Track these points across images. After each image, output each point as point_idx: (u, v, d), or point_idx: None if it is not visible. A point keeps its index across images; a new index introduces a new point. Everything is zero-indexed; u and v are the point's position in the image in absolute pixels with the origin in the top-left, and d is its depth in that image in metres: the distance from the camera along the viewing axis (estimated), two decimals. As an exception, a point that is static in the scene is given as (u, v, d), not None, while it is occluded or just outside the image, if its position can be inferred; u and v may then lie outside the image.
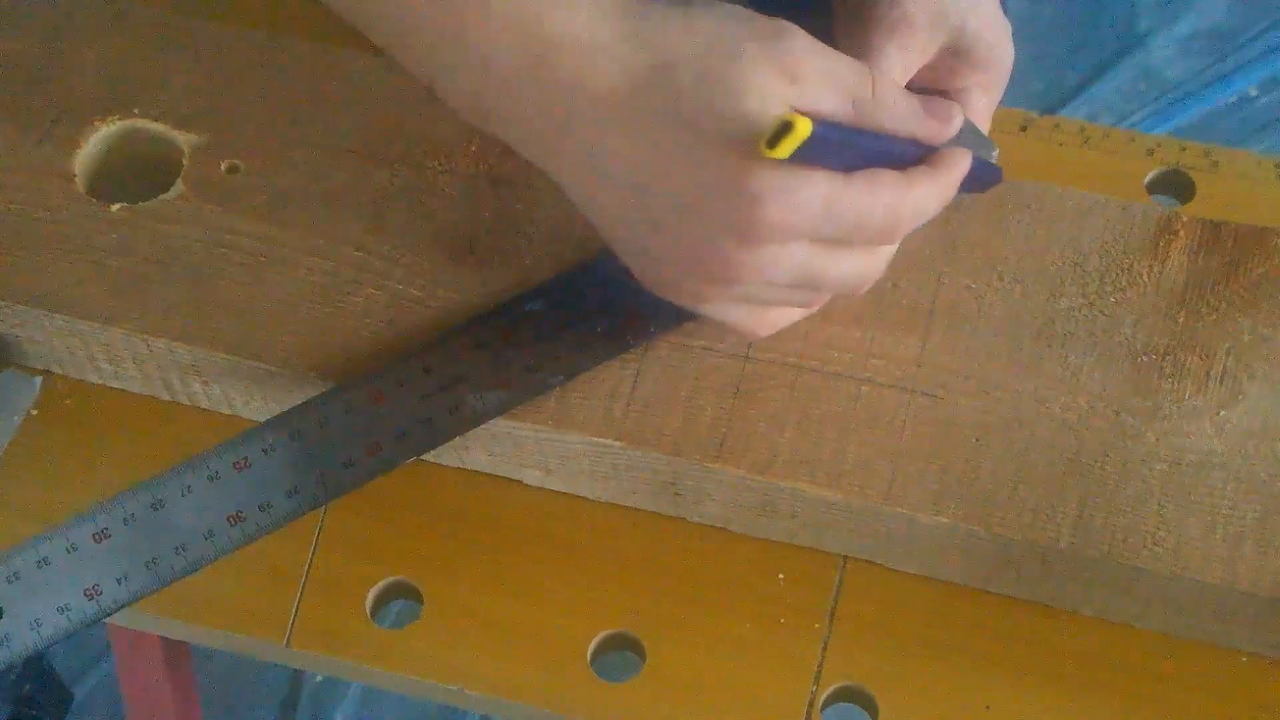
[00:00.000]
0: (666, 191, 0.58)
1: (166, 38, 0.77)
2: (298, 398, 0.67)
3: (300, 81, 0.75)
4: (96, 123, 0.74)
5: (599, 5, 0.58)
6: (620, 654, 0.68)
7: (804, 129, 0.53)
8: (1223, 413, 0.66)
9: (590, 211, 0.61)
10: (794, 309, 0.64)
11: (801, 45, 0.57)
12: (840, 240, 0.59)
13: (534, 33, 0.58)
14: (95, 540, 0.61)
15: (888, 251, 0.62)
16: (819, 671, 0.67)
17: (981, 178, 0.64)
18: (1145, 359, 0.68)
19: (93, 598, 0.61)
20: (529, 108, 0.59)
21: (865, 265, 0.61)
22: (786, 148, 0.54)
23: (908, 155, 0.59)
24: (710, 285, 0.60)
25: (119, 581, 0.61)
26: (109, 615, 0.62)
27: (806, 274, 0.59)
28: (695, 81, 0.56)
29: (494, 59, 0.58)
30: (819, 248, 0.59)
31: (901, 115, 0.59)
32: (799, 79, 0.56)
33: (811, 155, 0.55)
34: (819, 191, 0.56)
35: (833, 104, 0.57)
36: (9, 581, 0.60)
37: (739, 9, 0.58)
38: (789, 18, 0.74)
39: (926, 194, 0.60)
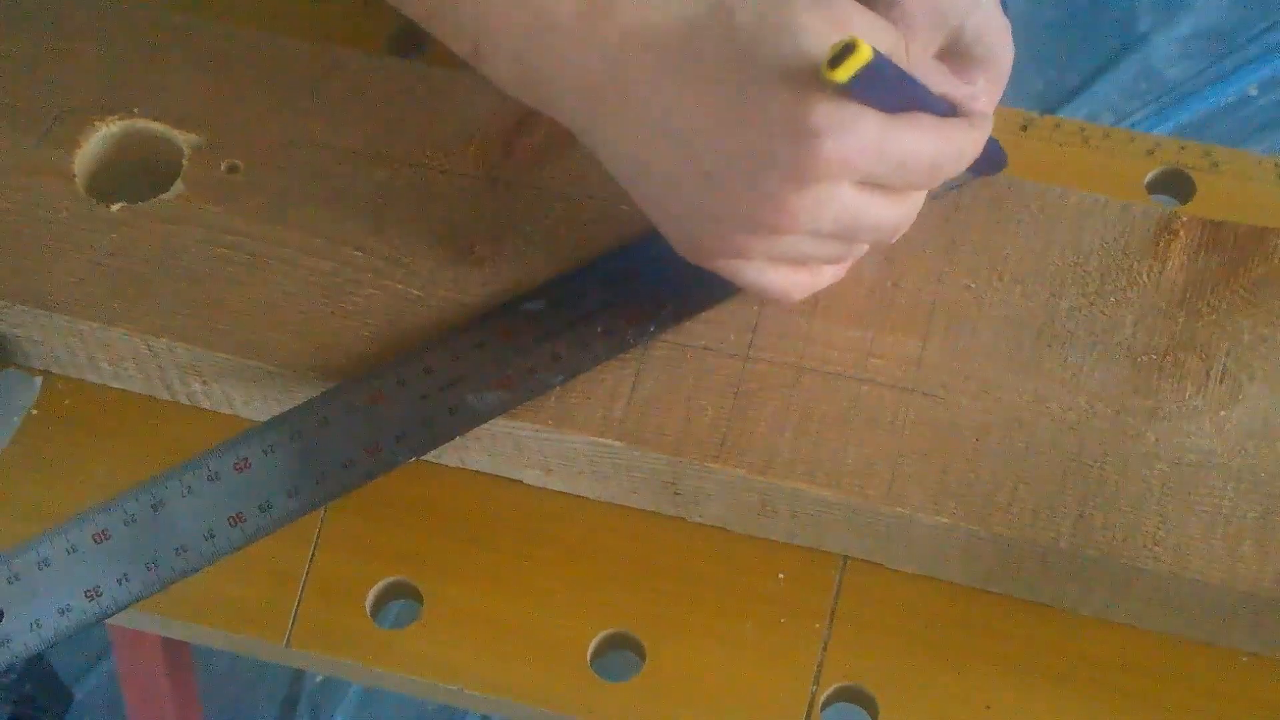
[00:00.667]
0: (722, 140, 0.58)
1: (167, 37, 0.77)
2: (298, 398, 0.67)
3: (300, 81, 0.75)
4: (96, 123, 0.74)
5: None
6: (620, 654, 0.68)
7: (866, 51, 0.54)
8: (1223, 413, 0.66)
9: (636, 175, 0.61)
10: (828, 268, 0.64)
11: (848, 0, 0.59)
12: (884, 182, 0.60)
13: None
14: (95, 541, 0.61)
15: (919, 200, 0.63)
16: (819, 671, 0.67)
17: (992, 157, 0.66)
18: (1145, 359, 0.68)
19: (93, 598, 0.61)
20: (582, 61, 0.59)
21: (900, 212, 0.62)
22: (848, 69, 0.54)
23: (940, 112, 0.61)
24: (758, 238, 0.60)
25: (119, 582, 0.61)
26: (109, 616, 0.62)
27: (850, 221, 0.60)
28: (752, 22, 0.57)
29: (547, 10, 0.59)
30: (864, 191, 0.59)
31: (936, 74, 0.62)
32: (849, 26, 0.57)
33: (866, 88, 0.56)
34: (873, 127, 0.57)
35: (884, 50, 0.58)
36: (9, 582, 0.60)
37: None
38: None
39: (964, 140, 0.62)
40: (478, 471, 0.71)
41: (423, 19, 0.63)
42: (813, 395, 0.67)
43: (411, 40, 0.84)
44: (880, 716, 0.66)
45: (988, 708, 0.66)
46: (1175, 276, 0.70)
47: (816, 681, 0.67)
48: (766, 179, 0.58)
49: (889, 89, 0.57)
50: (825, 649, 0.67)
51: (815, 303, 0.69)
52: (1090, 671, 0.66)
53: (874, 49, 0.55)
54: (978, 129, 0.63)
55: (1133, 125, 1.79)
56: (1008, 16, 0.70)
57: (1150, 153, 0.79)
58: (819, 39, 0.56)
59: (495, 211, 0.71)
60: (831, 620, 0.68)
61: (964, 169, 0.63)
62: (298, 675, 1.47)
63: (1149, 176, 0.79)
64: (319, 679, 1.47)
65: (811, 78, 0.55)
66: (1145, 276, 0.70)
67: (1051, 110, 0.81)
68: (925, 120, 0.60)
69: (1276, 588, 0.63)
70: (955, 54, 0.69)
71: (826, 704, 0.66)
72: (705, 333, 0.68)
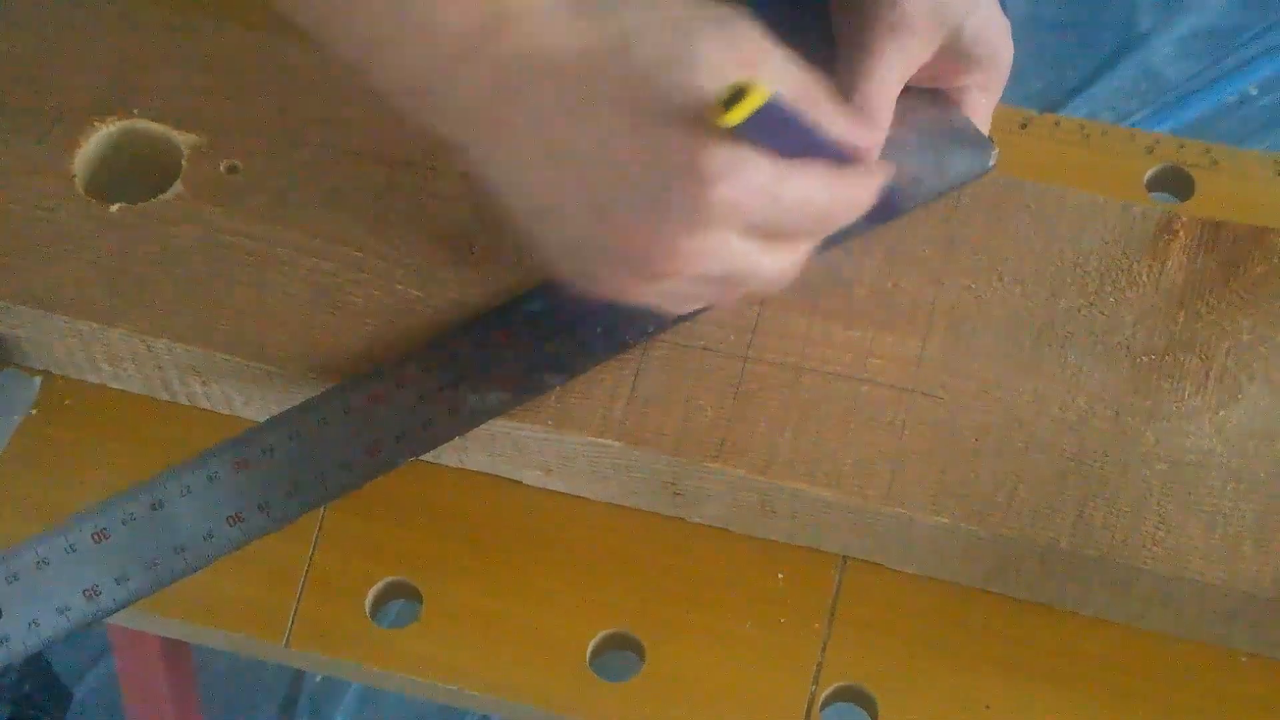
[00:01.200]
0: (613, 175, 0.56)
1: (166, 38, 0.77)
2: (298, 398, 0.67)
3: (300, 81, 0.75)
4: (96, 123, 0.74)
5: None
6: (620, 654, 0.68)
7: (759, 96, 0.53)
8: (1222, 413, 0.66)
9: (521, 198, 0.59)
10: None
11: (757, 33, 0.56)
12: (773, 229, 0.58)
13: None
14: (95, 540, 0.61)
15: (806, 249, 0.61)
16: (819, 671, 0.67)
17: (887, 205, 0.63)
18: (1145, 359, 0.68)
19: (92, 598, 0.61)
20: (474, 82, 0.56)
21: (786, 260, 0.60)
22: (739, 114, 0.53)
23: (839, 159, 0.59)
24: (641, 279, 0.58)
25: (118, 582, 0.61)
26: (108, 615, 0.61)
27: (734, 267, 0.58)
28: (652, 57, 0.55)
29: (441, 27, 0.56)
30: (754, 239, 0.57)
31: (840, 118, 0.59)
32: (753, 64, 0.55)
33: (760, 132, 0.54)
34: (766, 172, 0.55)
35: (785, 92, 0.56)
36: (8, 582, 0.60)
37: None
38: (791, 18, 0.75)
39: (858, 189, 0.60)
40: (478, 471, 0.71)
41: (311, 27, 0.60)
42: (813, 395, 0.67)
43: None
44: (880, 716, 0.66)
45: (987, 708, 0.66)
46: (1175, 276, 0.70)
47: (816, 681, 0.67)
48: (655, 220, 0.56)
49: (785, 133, 0.56)
50: (825, 649, 0.67)
51: (815, 303, 0.69)
52: (1090, 671, 0.66)
53: (770, 92, 0.53)
54: (873, 177, 0.60)
55: (1133, 125, 1.79)
56: (1007, 16, 0.71)
57: (1150, 150, 0.79)
58: (718, 78, 0.54)
59: (495, 211, 0.71)
60: (831, 620, 0.68)
61: (856, 219, 0.61)
62: (298, 675, 1.47)
63: (1148, 174, 0.79)
64: (319, 679, 1.47)
65: (707, 118, 0.53)
66: (1145, 276, 0.70)
67: (1051, 110, 0.81)
68: (820, 168, 0.58)
69: (1276, 588, 0.63)
70: (954, 54, 0.69)
71: (826, 704, 0.66)
72: (705, 333, 0.68)
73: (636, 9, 0.56)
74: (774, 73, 0.56)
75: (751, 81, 0.53)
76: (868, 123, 0.61)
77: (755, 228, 0.57)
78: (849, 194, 0.59)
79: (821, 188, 0.58)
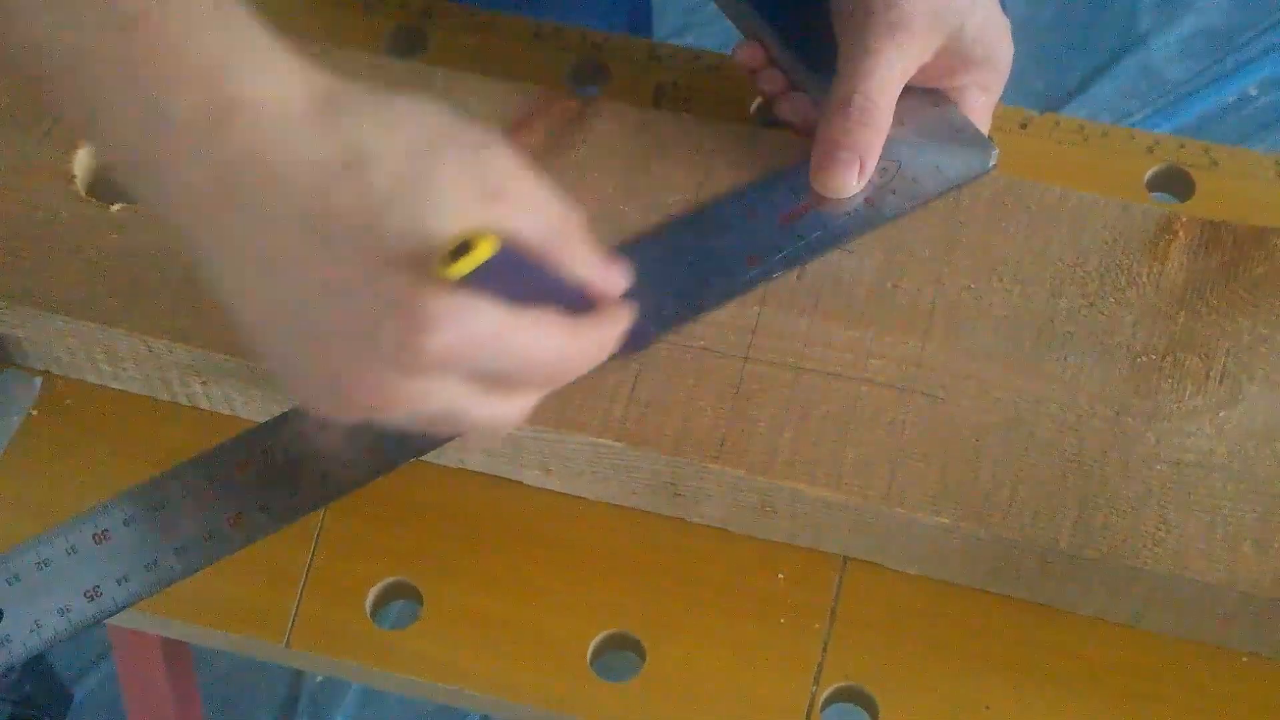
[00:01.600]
0: (330, 302, 0.51)
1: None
2: (297, 398, 0.67)
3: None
4: (96, 123, 0.74)
5: (295, 75, 0.52)
6: (620, 654, 0.68)
7: (485, 250, 0.50)
8: (1223, 413, 0.66)
9: (236, 305, 0.54)
10: None
11: (509, 165, 0.53)
12: (499, 378, 0.54)
13: (218, 87, 0.51)
14: (95, 541, 0.61)
15: (532, 401, 0.57)
16: (819, 671, 0.67)
17: (636, 339, 0.61)
18: (1145, 359, 0.68)
19: (93, 599, 0.61)
20: (198, 173, 0.51)
21: (511, 410, 0.57)
22: (464, 266, 0.50)
23: (575, 304, 0.56)
24: (353, 410, 0.54)
25: (119, 583, 0.61)
26: (109, 616, 0.61)
27: (454, 411, 0.54)
28: (384, 188, 0.51)
29: (168, 106, 0.51)
30: (473, 385, 0.54)
31: (586, 261, 0.56)
32: (499, 199, 0.52)
33: (488, 281, 0.51)
34: (490, 324, 0.52)
35: (527, 232, 0.53)
36: (9, 583, 0.60)
37: (446, 110, 0.54)
38: (791, 18, 0.75)
39: (590, 344, 0.57)
40: (478, 471, 0.71)
41: (42, 74, 0.54)
42: (812, 395, 0.67)
43: (411, 40, 0.84)
44: (880, 716, 0.66)
45: (987, 708, 0.66)
46: (1175, 276, 0.70)
47: (816, 681, 0.67)
48: (370, 360, 0.52)
49: (517, 280, 0.53)
50: (825, 649, 0.67)
51: (815, 303, 0.69)
52: (1090, 671, 0.66)
53: (498, 244, 0.50)
54: (610, 327, 0.57)
55: (1133, 125, 1.80)
56: (1007, 16, 0.71)
57: (1150, 150, 0.79)
58: (454, 215, 0.51)
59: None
60: (831, 620, 0.68)
61: (592, 368, 0.58)
62: (298, 675, 1.47)
63: (1149, 174, 0.79)
64: (319, 679, 1.47)
65: (431, 265, 0.50)
66: (1145, 276, 0.70)
67: (1051, 110, 0.81)
68: (552, 319, 0.54)
69: (1276, 588, 0.63)
70: (954, 54, 0.69)
71: (826, 704, 0.66)
72: (705, 333, 0.68)
73: (378, 126, 0.52)
74: (518, 211, 0.53)
75: (479, 234, 0.50)
76: (612, 269, 0.57)
77: (479, 375, 0.54)
78: (583, 345, 0.56)
79: (552, 339, 0.55)
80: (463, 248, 0.50)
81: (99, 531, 0.61)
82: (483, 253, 0.50)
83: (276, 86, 0.52)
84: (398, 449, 0.65)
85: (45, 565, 0.61)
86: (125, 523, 0.62)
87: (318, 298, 0.52)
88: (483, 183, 0.52)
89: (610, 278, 0.57)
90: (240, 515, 0.63)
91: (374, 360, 0.52)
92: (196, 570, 0.62)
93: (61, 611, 0.60)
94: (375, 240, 0.51)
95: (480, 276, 0.51)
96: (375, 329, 0.51)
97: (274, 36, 0.53)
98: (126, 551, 0.61)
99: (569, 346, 0.56)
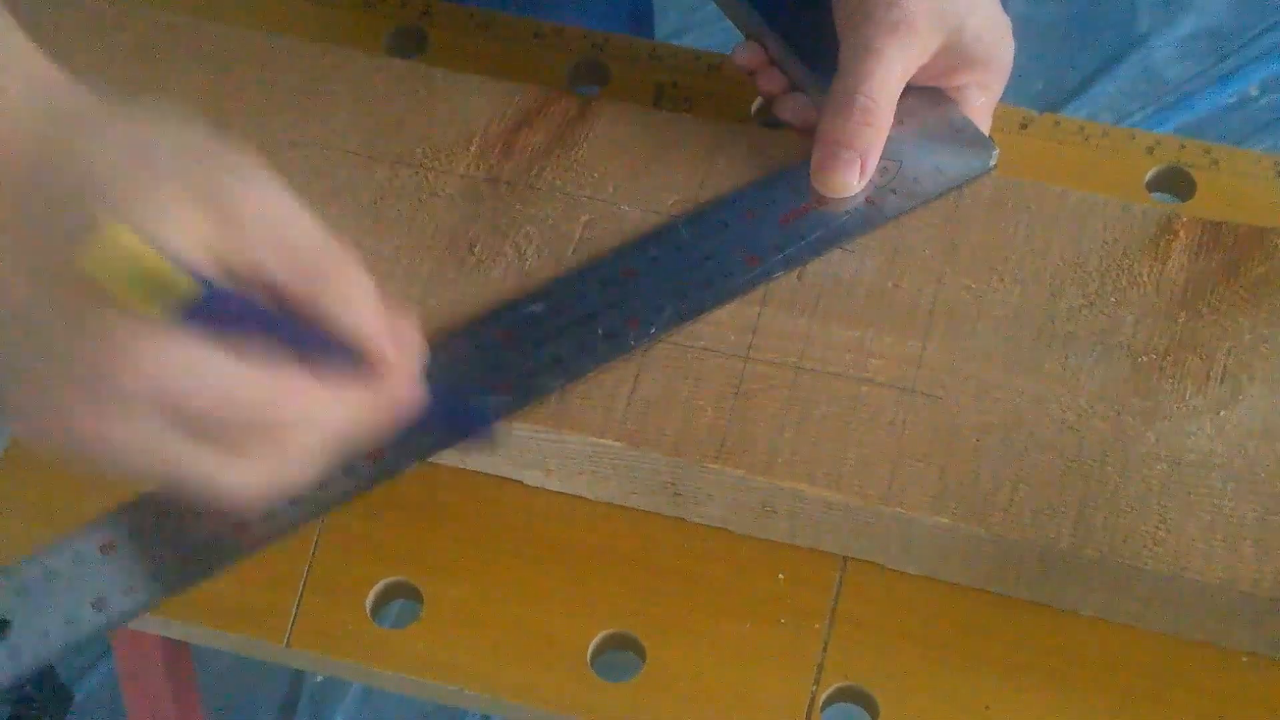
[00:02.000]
0: (25, 320, 0.47)
1: (167, 38, 0.77)
2: (297, 398, 0.67)
3: (300, 81, 0.75)
4: (96, 123, 0.74)
5: (18, 60, 0.49)
6: (620, 654, 0.68)
7: (177, 288, 0.45)
8: (1223, 413, 0.66)
9: None
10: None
11: (257, 188, 0.48)
12: (205, 426, 0.48)
13: None
14: (101, 552, 0.61)
15: (278, 467, 0.51)
16: (819, 671, 0.67)
17: (468, 429, 0.55)
18: (1145, 359, 0.68)
19: (100, 609, 0.60)
20: None
21: (255, 474, 0.50)
22: (156, 302, 0.46)
23: (344, 364, 0.50)
24: (56, 439, 0.49)
25: (125, 593, 0.61)
26: (116, 627, 0.61)
27: (163, 459, 0.49)
28: (100, 196, 0.46)
29: None
30: (179, 434, 0.48)
31: (352, 311, 0.49)
32: (233, 223, 0.47)
33: (202, 317, 0.47)
34: (187, 358, 0.47)
35: (271, 264, 0.48)
36: (16, 595, 0.60)
37: (198, 120, 0.49)
38: (791, 18, 0.75)
39: (334, 403, 0.50)
40: (478, 471, 0.71)
41: None
42: (813, 395, 0.67)
43: (411, 40, 0.84)
44: (880, 716, 0.66)
45: (987, 708, 0.66)
46: (1175, 276, 0.70)
47: (816, 681, 0.67)
48: (63, 386, 0.47)
49: (251, 320, 0.48)
50: (825, 649, 0.67)
51: (816, 303, 0.69)
52: (1090, 671, 0.66)
53: (204, 285, 0.46)
54: (374, 392, 0.50)
55: (1133, 125, 1.80)
56: (1008, 15, 0.71)
57: (1150, 151, 0.79)
58: (173, 235, 0.46)
59: (495, 211, 0.71)
60: (831, 620, 0.68)
61: (342, 437, 0.52)
62: (298, 675, 1.47)
63: (1149, 175, 0.79)
64: (319, 679, 1.47)
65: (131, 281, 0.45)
66: (1145, 276, 0.70)
67: (1051, 110, 0.81)
68: (280, 363, 0.48)
69: (1276, 588, 0.63)
70: (954, 53, 0.69)
71: (826, 704, 0.66)
72: (705, 333, 0.68)
73: (107, 130, 0.47)
74: (258, 241, 0.48)
75: (170, 269, 0.45)
76: (393, 326, 0.51)
77: (187, 418, 0.48)
78: (314, 400, 0.49)
79: (263, 380, 0.48)
80: (155, 279, 0.45)
81: (105, 543, 0.61)
82: (174, 289, 0.45)
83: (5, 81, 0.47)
84: (399, 454, 0.65)
85: (52, 576, 0.60)
86: (131, 533, 0.62)
87: (19, 309, 0.47)
88: (218, 203, 0.47)
89: (381, 335, 0.50)
90: (244, 524, 0.62)
91: (67, 387, 0.47)
92: (202, 579, 0.62)
93: (69, 622, 0.60)
94: (79, 264, 0.45)
95: (195, 313, 0.46)
96: (69, 354, 0.46)
97: (24, 42, 0.50)
98: (133, 562, 0.61)
99: (300, 398, 0.49)
